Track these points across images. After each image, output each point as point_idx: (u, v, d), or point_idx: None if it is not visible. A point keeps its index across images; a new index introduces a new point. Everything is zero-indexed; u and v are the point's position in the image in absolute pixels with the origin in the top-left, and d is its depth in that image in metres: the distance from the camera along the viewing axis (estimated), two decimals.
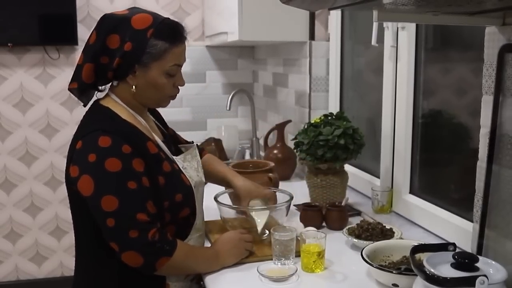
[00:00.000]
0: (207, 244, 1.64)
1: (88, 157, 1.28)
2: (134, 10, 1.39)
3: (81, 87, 1.42)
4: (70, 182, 1.35)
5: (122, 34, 1.34)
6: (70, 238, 3.48)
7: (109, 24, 1.35)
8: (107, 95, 1.45)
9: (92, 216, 1.32)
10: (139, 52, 1.34)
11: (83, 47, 1.42)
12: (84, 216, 1.36)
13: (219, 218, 1.74)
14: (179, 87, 1.46)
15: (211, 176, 1.75)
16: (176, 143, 1.64)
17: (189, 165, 1.51)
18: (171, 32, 1.37)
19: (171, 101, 1.49)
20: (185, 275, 1.46)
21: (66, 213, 3.46)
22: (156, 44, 1.34)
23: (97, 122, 1.36)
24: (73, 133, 1.40)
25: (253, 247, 1.52)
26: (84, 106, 1.48)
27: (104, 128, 1.31)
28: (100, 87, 1.47)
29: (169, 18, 1.40)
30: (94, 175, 1.28)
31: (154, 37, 1.34)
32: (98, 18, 1.40)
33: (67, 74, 3.30)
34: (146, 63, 1.35)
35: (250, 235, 1.54)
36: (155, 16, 1.38)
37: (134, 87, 1.38)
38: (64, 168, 1.40)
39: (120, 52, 1.33)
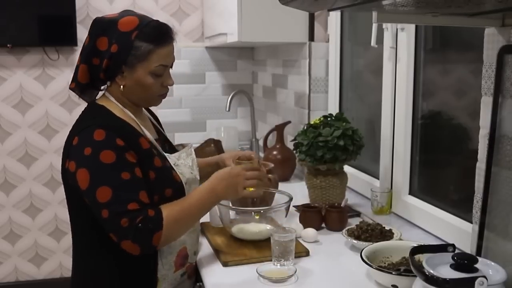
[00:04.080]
0: (201, 240, 1.66)
1: (84, 151, 1.32)
2: (124, 13, 1.44)
3: (78, 87, 1.48)
4: (68, 178, 1.38)
5: (109, 37, 1.39)
6: (69, 239, 3.46)
7: (99, 27, 1.41)
8: (103, 94, 1.50)
9: (90, 212, 1.34)
10: (124, 53, 1.39)
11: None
12: (81, 213, 1.38)
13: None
14: (168, 86, 1.49)
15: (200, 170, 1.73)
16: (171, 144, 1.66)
17: (183, 163, 1.53)
18: (156, 34, 1.41)
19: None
20: (174, 268, 1.47)
21: (65, 214, 3.44)
22: (140, 46, 1.39)
23: (91, 118, 1.41)
24: None
25: (259, 186, 1.45)
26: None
27: (98, 123, 1.35)
28: (100, 87, 1.51)
29: (157, 20, 1.44)
30: (90, 168, 1.31)
31: (138, 39, 1.38)
32: None
33: (67, 75, 3.30)
34: (131, 64, 1.40)
35: (256, 172, 1.46)
36: (141, 18, 1.42)
37: (122, 87, 1.43)
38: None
39: (108, 54, 1.39)
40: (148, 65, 1.40)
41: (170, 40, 1.43)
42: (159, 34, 1.41)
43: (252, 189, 1.43)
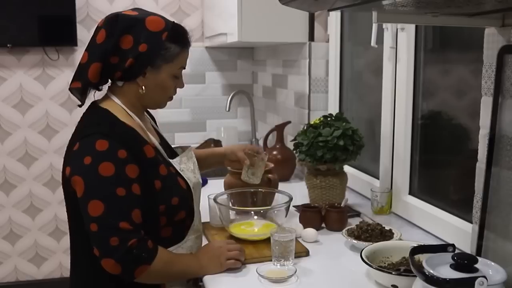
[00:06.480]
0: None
1: (84, 159, 1.29)
2: (143, 12, 1.41)
3: (85, 87, 1.41)
4: (65, 182, 1.37)
5: (136, 35, 1.35)
6: (69, 239, 3.47)
7: (123, 24, 1.36)
8: (106, 96, 1.45)
9: None
10: (153, 54, 1.37)
11: (86, 46, 1.40)
12: (79, 214, 1.36)
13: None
14: (178, 89, 1.49)
15: (201, 162, 1.71)
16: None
17: (186, 167, 1.51)
18: (183, 37, 1.42)
19: (170, 102, 1.53)
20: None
21: (65, 214, 3.43)
22: (169, 47, 1.39)
23: (95, 124, 1.36)
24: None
25: (241, 256, 1.47)
26: (81, 105, 1.47)
27: (102, 131, 1.32)
28: (100, 87, 1.46)
29: (175, 22, 1.43)
30: (86, 178, 1.29)
31: (168, 41, 1.38)
32: (97, 19, 1.41)
33: (67, 75, 3.30)
34: (158, 65, 1.39)
35: (237, 244, 1.50)
36: (165, 19, 1.42)
37: (143, 87, 1.40)
38: None
39: (134, 53, 1.35)
40: (173, 67, 1.41)
41: (189, 43, 1.45)
42: (185, 37, 1.43)
43: (233, 261, 1.46)
